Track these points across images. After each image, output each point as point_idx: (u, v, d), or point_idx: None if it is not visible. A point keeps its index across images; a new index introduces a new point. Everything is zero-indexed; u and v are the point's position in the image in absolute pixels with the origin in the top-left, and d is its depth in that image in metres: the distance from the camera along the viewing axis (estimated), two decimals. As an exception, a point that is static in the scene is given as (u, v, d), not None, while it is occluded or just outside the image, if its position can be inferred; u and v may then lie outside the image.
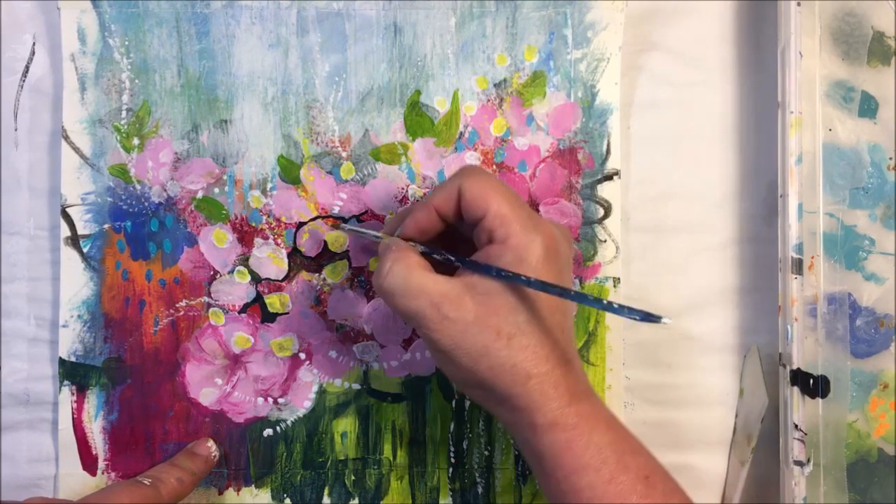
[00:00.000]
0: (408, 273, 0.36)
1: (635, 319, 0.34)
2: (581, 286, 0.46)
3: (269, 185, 0.46)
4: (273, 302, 0.46)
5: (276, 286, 0.46)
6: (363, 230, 0.43)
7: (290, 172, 0.46)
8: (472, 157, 0.46)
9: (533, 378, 0.36)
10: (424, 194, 0.46)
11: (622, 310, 0.34)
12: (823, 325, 0.44)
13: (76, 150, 0.46)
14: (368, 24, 0.46)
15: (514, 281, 0.35)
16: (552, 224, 0.38)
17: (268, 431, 0.47)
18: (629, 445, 0.37)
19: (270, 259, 0.46)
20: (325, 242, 0.46)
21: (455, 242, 0.40)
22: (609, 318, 0.47)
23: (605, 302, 0.35)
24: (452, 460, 0.47)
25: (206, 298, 0.46)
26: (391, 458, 0.47)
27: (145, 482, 0.42)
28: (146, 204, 0.46)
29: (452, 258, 0.38)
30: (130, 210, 0.46)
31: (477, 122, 0.46)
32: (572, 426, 0.36)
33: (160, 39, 0.46)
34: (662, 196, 0.48)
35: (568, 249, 0.38)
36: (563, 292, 0.35)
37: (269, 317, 0.46)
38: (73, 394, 0.46)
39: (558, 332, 0.37)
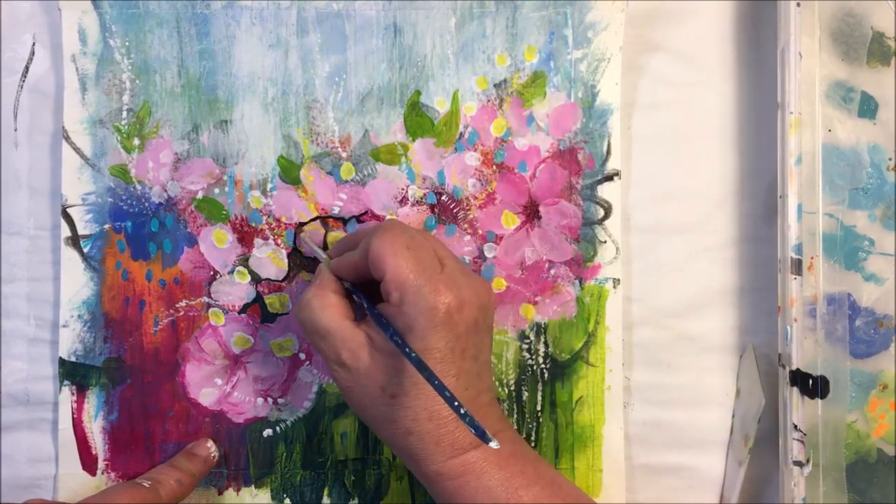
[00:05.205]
0: (320, 313, 0.39)
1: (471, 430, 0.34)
2: (581, 287, 0.46)
3: (269, 186, 0.46)
4: (273, 302, 0.46)
5: (276, 286, 0.46)
6: (314, 246, 0.44)
7: (290, 173, 0.46)
8: (472, 158, 0.46)
9: (413, 434, 0.37)
10: (424, 195, 0.46)
11: (461, 413, 0.34)
12: (823, 325, 0.44)
13: (77, 150, 0.46)
14: (368, 24, 0.46)
15: (399, 349, 0.36)
16: (467, 286, 0.38)
17: (268, 432, 0.47)
18: (524, 479, 0.37)
19: (270, 259, 0.46)
20: (325, 243, 0.46)
21: None
22: (609, 318, 0.47)
23: (448, 396, 0.34)
24: (452, 460, 0.47)
25: (206, 298, 0.46)
26: (391, 459, 0.47)
27: (144, 484, 0.42)
28: (146, 204, 0.46)
29: (365, 305, 0.39)
30: (131, 210, 0.46)
31: (477, 123, 0.46)
32: (458, 475, 0.37)
33: (161, 40, 0.46)
34: (662, 196, 0.48)
35: (477, 312, 0.38)
36: (429, 377, 0.35)
37: (269, 317, 0.46)
38: (73, 394, 0.46)
39: (451, 383, 0.37)
